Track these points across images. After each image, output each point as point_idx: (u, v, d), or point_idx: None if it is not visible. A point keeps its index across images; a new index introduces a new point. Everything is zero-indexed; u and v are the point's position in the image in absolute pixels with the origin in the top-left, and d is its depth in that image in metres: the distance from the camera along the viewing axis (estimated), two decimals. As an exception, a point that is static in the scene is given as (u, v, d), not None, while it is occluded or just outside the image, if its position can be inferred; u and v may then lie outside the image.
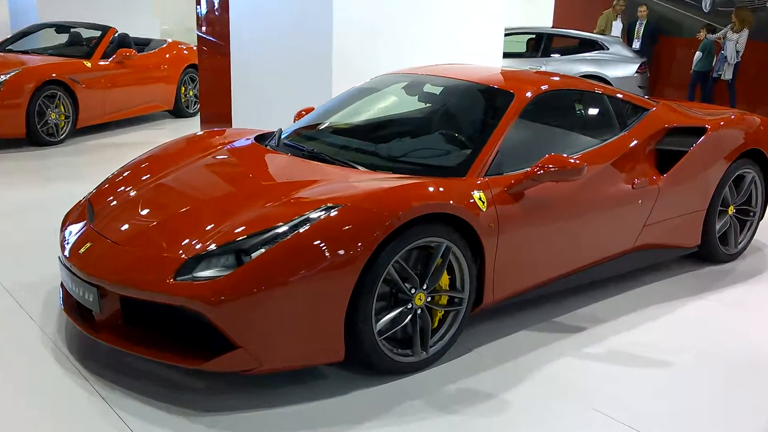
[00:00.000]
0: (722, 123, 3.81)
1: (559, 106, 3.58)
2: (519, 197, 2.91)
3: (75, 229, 2.88)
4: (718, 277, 3.80)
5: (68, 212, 3.14)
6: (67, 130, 6.67)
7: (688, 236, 3.74)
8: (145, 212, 2.84)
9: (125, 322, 2.56)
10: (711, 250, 3.88)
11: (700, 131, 3.73)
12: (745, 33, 8.61)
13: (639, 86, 8.59)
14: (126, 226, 2.75)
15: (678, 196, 3.58)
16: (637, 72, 8.62)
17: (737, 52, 8.61)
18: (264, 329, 2.36)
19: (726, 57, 8.67)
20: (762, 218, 4.11)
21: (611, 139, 3.48)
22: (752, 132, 3.91)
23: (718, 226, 3.86)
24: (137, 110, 7.63)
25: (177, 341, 2.47)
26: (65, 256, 2.72)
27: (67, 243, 2.79)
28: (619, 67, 8.58)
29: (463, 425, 2.39)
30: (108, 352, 2.72)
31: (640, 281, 3.69)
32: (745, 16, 8.65)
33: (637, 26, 9.71)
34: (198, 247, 2.49)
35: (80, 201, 3.20)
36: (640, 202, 3.42)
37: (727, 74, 8.69)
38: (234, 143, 3.46)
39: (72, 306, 2.76)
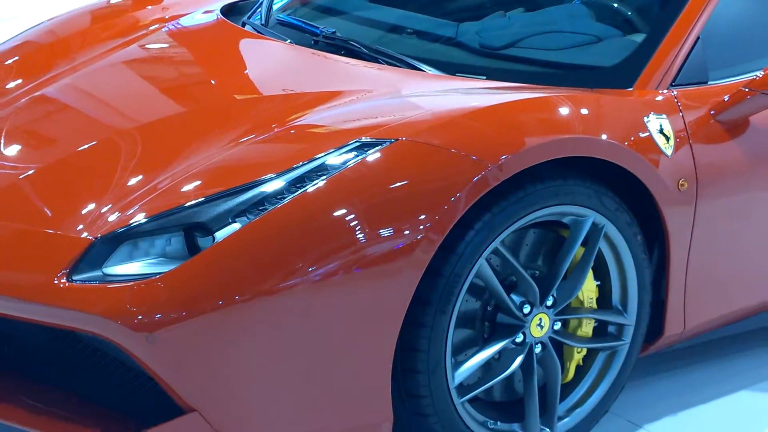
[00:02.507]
0: None
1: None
2: (739, 129, 2.93)
3: None
4: None
5: None
6: None
7: None
8: (12, 151, 2.88)
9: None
10: None
11: None
12: None
13: None
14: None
15: None
16: None
17: None
18: (238, 379, 2.37)
19: None
20: None
21: None
22: None
23: None
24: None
25: (78, 398, 2.50)
26: None
27: None
28: None
29: None
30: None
31: None
32: None
33: None
34: (113, 218, 2.50)
35: None
36: None
37: None
38: (180, 20, 3.53)
39: None
